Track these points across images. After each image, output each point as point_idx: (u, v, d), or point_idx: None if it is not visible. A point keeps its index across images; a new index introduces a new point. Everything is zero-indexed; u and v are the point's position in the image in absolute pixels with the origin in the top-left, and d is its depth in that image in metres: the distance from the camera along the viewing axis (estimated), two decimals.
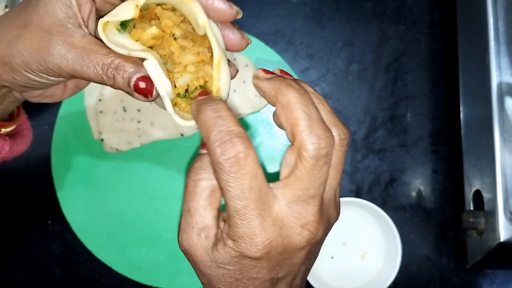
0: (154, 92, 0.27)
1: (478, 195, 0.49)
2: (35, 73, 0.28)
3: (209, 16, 0.27)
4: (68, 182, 0.55)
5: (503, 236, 0.44)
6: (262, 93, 0.27)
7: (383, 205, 0.57)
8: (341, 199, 0.54)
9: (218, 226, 0.27)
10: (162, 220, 0.55)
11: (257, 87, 0.27)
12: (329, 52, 0.59)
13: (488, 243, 0.46)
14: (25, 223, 0.56)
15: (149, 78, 0.27)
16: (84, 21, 0.28)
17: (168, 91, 0.27)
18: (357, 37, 0.59)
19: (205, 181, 0.27)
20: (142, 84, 0.27)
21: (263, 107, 0.56)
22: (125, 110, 0.54)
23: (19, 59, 0.28)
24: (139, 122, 0.54)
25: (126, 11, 0.27)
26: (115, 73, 0.27)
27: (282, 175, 0.26)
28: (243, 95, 0.55)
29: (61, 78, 0.29)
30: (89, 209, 0.55)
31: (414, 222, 0.57)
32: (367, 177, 0.57)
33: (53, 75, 0.28)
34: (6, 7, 0.58)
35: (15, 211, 0.56)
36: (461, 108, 0.54)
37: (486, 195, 0.47)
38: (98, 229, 0.54)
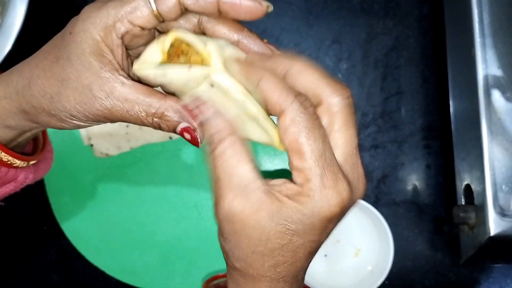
0: (200, 142, 0.28)
1: (468, 189, 0.48)
2: (83, 122, 0.29)
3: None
4: (59, 189, 0.55)
5: (493, 230, 0.44)
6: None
7: (376, 202, 0.56)
8: None
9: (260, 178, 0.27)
10: (153, 223, 0.55)
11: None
12: (317, 50, 0.59)
13: (479, 238, 0.45)
14: (21, 230, 0.57)
15: (195, 129, 0.27)
16: (119, 65, 0.28)
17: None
18: (345, 34, 0.59)
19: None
20: (187, 136, 0.28)
21: None
22: None
23: (66, 113, 0.28)
24: (127, 126, 0.54)
25: (153, 57, 0.27)
26: (160, 122, 0.28)
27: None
28: None
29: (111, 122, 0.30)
30: (81, 214, 0.55)
31: (407, 218, 0.56)
32: None
33: (103, 122, 0.29)
34: None
35: (10, 218, 0.57)
36: (450, 102, 0.53)
37: (476, 189, 0.47)
38: (90, 234, 0.55)
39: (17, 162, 0.33)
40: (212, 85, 0.27)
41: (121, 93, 0.27)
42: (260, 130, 0.28)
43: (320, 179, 0.26)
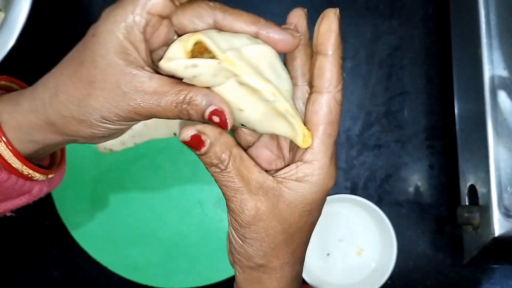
0: (229, 125, 0.28)
1: (472, 190, 0.48)
2: (114, 123, 0.29)
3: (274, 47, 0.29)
4: (62, 184, 0.55)
5: (497, 231, 0.44)
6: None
7: (378, 201, 0.56)
8: (337, 196, 0.54)
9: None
10: (156, 219, 0.55)
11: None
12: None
13: (483, 238, 0.45)
14: (23, 225, 0.57)
15: (223, 111, 0.27)
16: (144, 61, 0.28)
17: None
18: (350, 33, 0.59)
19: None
20: (216, 119, 0.28)
21: None
22: None
23: (96, 115, 0.28)
24: None
25: (176, 55, 0.27)
26: (189, 109, 0.28)
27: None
28: None
29: (139, 121, 0.30)
30: (84, 210, 0.55)
31: (410, 218, 0.56)
32: (363, 173, 0.57)
33: (132, 121, 0.29)
34: (0, 10, 0.59)
35: (12, 213, 0.57)
36: (455, 103, 0.53)
37: (480, 190, 0.47)
38: (93, 230, 0.55)
39: (37, 176, 0.33)
40: (241, 83, 0.28)
41: (150, 86, 0.27)
42: (286, 125, 0.29)
43: (330, 157, 0.29)
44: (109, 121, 0.29)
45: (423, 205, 0.57)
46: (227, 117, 0.28)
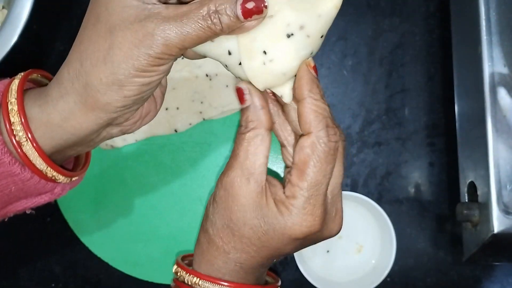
0: (267, 1, 0.27)
1: (472, 187, 0.48)
2: (145, 71, 0.27)
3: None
4: None
5: (496, 227, 0.44)
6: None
7: (379, 199, 0.57)
8: None
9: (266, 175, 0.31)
10: (158, 215, 0.55)
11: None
12: (323, 46, 0.59)
13: (482, 235, 0.45)
14: (25, 221, 0.57)
15: None
16: None
17: None
18: (351, 31, 0.59)
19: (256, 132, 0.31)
20: (250, 5, 0.26)
21: None
22: None
23: (124, 67, 0.27)
24: None
25: None
26: (219, 16, 0.26)
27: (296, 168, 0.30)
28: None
29: (168, 65, 0.28)
30: (86, 206, 0.55)
31: (410, 215, 0.56)
32: (363, 170, 0.57)
33: (162, 62, 0.27)
34: (3, 7, 0.59)
35: None
36: (455, 100, 0.53)
37: (480, 187, 0.47)
38: (94, 226, 0.55)
39: (60, 178, 0.33)
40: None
41: (169, 13, 0.26)
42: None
43: (304, 202, 0.29)
44: (139, 69, 0.27)
45: (423, 203, 0.57)
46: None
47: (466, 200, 0.49)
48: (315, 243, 0.33)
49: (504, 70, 0.46)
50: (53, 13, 0.60)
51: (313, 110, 0.29)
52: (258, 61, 0.29)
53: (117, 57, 0.27)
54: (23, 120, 0.29)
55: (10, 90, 0.31)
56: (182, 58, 0.32)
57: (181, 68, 0.55)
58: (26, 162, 0.30)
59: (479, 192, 0.47)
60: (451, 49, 0.54)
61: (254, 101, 0.30)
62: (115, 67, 0.27)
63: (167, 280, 0.54)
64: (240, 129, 0.31)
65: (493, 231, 0.44)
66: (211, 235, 0.32)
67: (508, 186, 0.45)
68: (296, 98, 0.30)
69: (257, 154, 0.30)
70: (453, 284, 0.56)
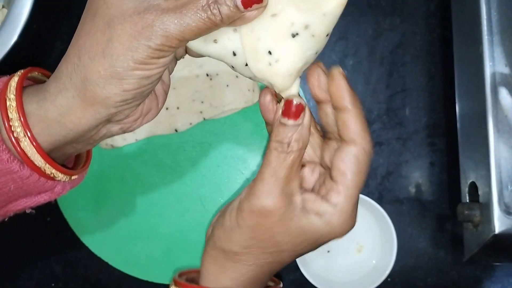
0: None
1: (473, 187, 0.48)
2: (144, 63, 0.27)
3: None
4: None
5: (498, 228, 0.44)
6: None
7: (379, 199, 0.56)
8: None
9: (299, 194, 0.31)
10: (157, 215, 0.55)
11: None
12: (324, 46, 0.59)
13: (483, 236, 0.45)
14: (25, 221, 0.57)
15: None
16: None
17: None
18: (351, 30, 0.59)
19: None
20: None
21: (256, 102, 0.56)
22: None
23: (123, 60, 0.26)
24: None
25: None
26: (218, 6, 0.26)
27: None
28: (236, 89, 0.55)
29: (169, 58, 0.27)
30: (86, 205, 0.55)
31: (411, 215, 0.56)
32: None
33: (162, 55, 0.27)
34: (3, 7, 0.59)
35: None
36: (456, 100, 0.53)
37: (481, 187, 0.47)
38: (94, 225, 0.55)
39: (59, 176, 0.32)
40: (272, 16, 0.28)
41: (169, 4, 0.26)
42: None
43: (353, 207, 0.31)
44: (139, 62, 0.26)
45: (424, 203, 0.56)
46: None
47: (467, 200, 0.49)
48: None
49: (506, 70, 0.46)
50: (53, 12, 0.60)
51: (361, 121, 0.29)
52: (264, 62, 0.28)
53: (116, 50, 0.26)
54: (21, 116, 0.29)
55: (9, 86, 0.30)
56: (184, 58, 0.32)
57: (182, 67, 0.54)
58: (24, 159, 0.30)
59: (480, 192, 0.46)
60: (452, 48, 0.54)
61: (306, 118, 0.29)
62: (114, 60, 0.26)
63: (167, 280, 0.54)
64: (279, 146, 0.29)
65: (494, 231, 0.44)
66: (240, 255, 0.32)
67: (509, 186, 0.44)
68: (337, 104, 0.30)
69: (295, 175, 0.29)
70: (454, 284, 0.55)
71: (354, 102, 0.30)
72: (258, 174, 0.30)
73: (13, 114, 0.29)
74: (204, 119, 0.55)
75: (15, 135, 0.29)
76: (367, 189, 0.57)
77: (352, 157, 0.29)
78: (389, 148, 0.57)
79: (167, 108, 0.55)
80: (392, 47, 0.59)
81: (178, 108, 0.55)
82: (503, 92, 0.46)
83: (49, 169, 0.31)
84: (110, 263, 0.55)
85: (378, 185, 0.57)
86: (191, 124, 0.55)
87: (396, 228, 0.52)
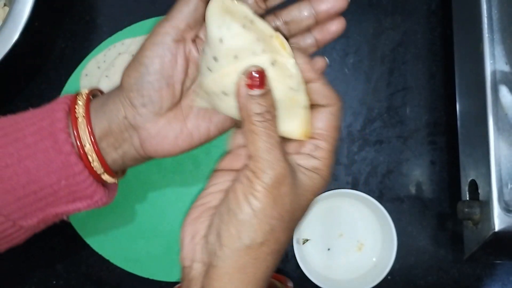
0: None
1: (473, 185, 0.48)
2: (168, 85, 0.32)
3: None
4: None
5: (497, 226, 0.44)
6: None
7: (380, 197, 0.57)
8: (338, 191, 0.54)
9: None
10: (158, 213, 0.55)
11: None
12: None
13: (483, 233, 0.45)
14: None
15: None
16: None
17: None
18: (352, 29, 0.59)
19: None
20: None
21: None
22: None
23: (154, 77, 0.32)
24: None
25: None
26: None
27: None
28: None
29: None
30: None
31: (411, 214, 0.56)
32: (364, 168, 0.57)
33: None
34: (5, 5, 0.59)
35: None
36: (457, 98, 0.53)
37: (481, 185, 0.47)
38: (95, 223, 0.55)
39: (106, 177, 0.35)
40: (273, 64, 0.28)
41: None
42: (294, 118, 0.31)
43: (330, 164, 0.32)
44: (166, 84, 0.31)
45: (424, 201, 0.57)
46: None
47: (467, 198, 0.49)
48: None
49: (506, 68, 0.46)
50: (54, 10, 0.60)
51: (329, 87, 0.31)
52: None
53: (149, 66, 0.32)
54: (89, 130, 0.33)
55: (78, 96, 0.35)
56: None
57: None
58: (81, 153, 0.33)
59: (480, 190, 0.47)
60: (452, 47, 0.54)
61: (266, 87, 0.29)
62: (147, 75, 0.32)
63: (168, 278, 0.55)
64: (260, 117, 0.29)
65: (494, 229, 0.44)
66: (264, 244, 0.29)
67: (509, 184, 0.44)
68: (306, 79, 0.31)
69: (280, 140, 0.30)
70: (454, 282, 0.56)
71: (319, 73, 0.32)
72: (252, 155, 0.29)
73: (79, 111, 0.33)
74: None
75: (80, 132, 0.33)
76: (367, 187, 0.57)
77: (328, 115, 0.31)
78: (390, 146, 0.57)
79: None
80: (393, 46, 0.59)
81: None
82: (503, 90, 0.46)
83: (97, 163, 0.34)
84: (112, 260, 0.55)
85: (378, 183, 0.57)
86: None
87: (396, 226, 0.52)
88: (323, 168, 0.31)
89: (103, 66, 0.56)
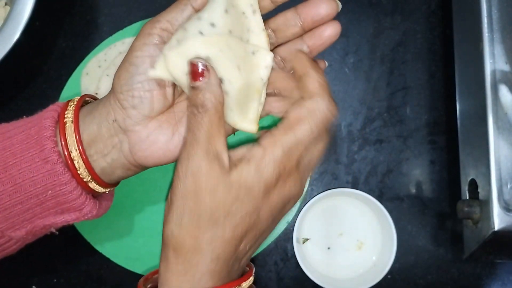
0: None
1: (473, 184, 0.48)
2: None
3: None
4: None
5: (497, 225, 0.44)
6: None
7: (380, 196, 0.57)
8: (338, 190, 0.54)
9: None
10: (158, 211, 0.55)
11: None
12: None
13: (483, 233, 0.46)
14: None
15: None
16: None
17: None
18: (352, 28, 0.59)
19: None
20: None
21: None
22: None
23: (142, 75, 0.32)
24: None
25: None
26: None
27: None
28: None
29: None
30: None
31: (411, 213, 0.56)
32: (364, 168, 0.57)
33: None
34: (6, 4, 0.59)
35: None
36: (457, 97, 0.53)
37: (481, 184, 0.47)
38: (95, 221, 0.55)
39: (96, 186, 0.34)
40: (254, 53, 0.30)
41: None
42: (248, 112, 0.31)
43: (280, 155, 0.29)
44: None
45: (424, 200, 0.57)
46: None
47: (467, 198, 0.49)
48: (282, 205, 0.31)
49: (506, 68, 0.46)
50: (55, 10, 0.60)
51: (319, 81, 0.30)
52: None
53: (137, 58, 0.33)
54: (77, 136, 0.33)
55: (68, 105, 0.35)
56: None
57: None
58: (69, 163, 0.32)
59: (480, 190, 0.47)
60: (452, 46, 0.55)
61: (211, 77, 0.29)
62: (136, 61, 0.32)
63: None
64: (194, 109, 0.29)
65: (494, 228, 0.44)
66: (177, 237, 0.31)
67: (509, 184, 0.45)
68: (297, 74, 0.31)
69: (218, 134, 0.29)
70: (454, 281, 0.56)
71: (314, 66, 0.32)
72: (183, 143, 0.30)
73: (68, 119, 0.33)
74: None
75: (69, 141, 0.32)
76: (367, 186, 0.57)
77: (303, 107, 0.29)
78: (390, 146, 0.58)
79: None
80: (393, 45, 0.59)
81: None
82: (503, 90, 0.46)
83: (84, 171, 0.33)
84: (112, 259, 0.55)
85: (378, 182, 0.57)
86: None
87: (396, 225, 0.52)
88: (261, 158, 0.28)
89: (103, 65, 0.56)
